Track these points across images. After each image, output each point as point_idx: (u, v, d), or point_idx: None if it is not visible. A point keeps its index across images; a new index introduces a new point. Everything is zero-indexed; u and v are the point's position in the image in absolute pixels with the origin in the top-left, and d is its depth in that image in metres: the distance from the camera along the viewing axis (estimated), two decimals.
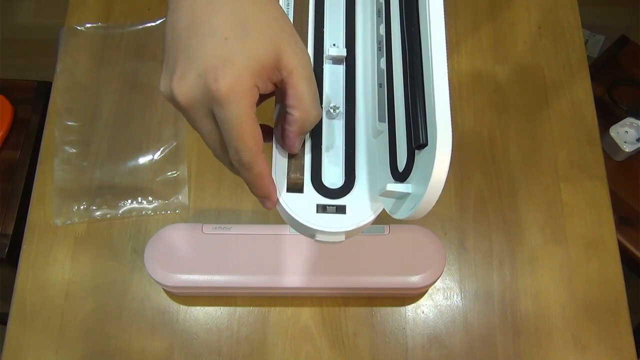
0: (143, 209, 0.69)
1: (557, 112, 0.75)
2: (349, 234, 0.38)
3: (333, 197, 0.38)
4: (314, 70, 0.39)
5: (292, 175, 0.38)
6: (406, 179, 0.35)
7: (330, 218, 0.37)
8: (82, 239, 0.67)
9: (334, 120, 0.40)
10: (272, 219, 0.69)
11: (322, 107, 0.40)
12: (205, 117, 0.36)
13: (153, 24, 0.78)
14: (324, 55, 0.42)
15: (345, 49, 0.41)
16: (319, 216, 0.37)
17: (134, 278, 0.66)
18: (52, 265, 0.66)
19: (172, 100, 0.36)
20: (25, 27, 1.69)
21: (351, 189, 0.39)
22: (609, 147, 1.03)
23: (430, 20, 0.35)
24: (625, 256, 0.96)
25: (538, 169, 0.72)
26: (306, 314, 0.65)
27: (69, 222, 0.68)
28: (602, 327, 0.65)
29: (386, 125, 0.39)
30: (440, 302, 0.66)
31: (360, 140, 0.40)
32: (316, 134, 0.40)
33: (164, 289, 0.65)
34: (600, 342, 0.64)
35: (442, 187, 0.33)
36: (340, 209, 0.38)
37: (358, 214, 0.38)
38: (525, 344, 0.64)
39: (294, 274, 0.60)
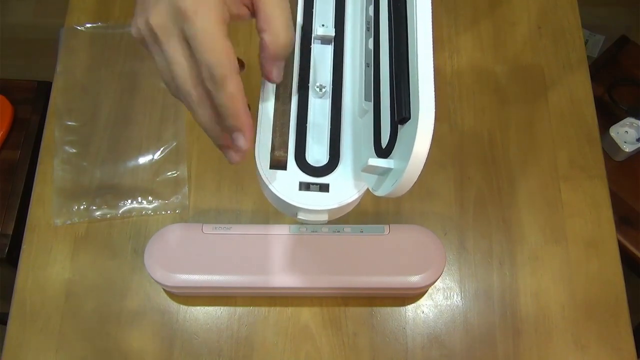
0: (143, 209, 0.69)
1: (557, 112, 0.75)
2: (332, 213, 0.37)
3: (317, 175, 0.38)
4: (302, 48, 0.39)
5: (275, 152, 0.37)
6: (389, 154, 0.35)
7: (314, 196, 0.37)
8: (82, 239, 0.67)
9: (320, 99, 0.40)
10: (272, 219, 0.69)
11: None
12: (178, 43, 0.36)
13: None
14: (312, 35, 0.41)
15: (334, 29, 0.41)
16: (302, 194, 0.37)
17: (134, 278, 0.66)
18: (52, 265, 0.66)
19: (148, 30, 0.36)
20: (25, 27, 1.69)
21: (335, 167, 0.38)
22: (609, 147, 1.03)
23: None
24: (625, 256, 0.96)
25: (538, 169, 0.72)
26: (306, 314, 0.65)
27: (69, 222, 0.68)
28: (602, 327, 0.65)
29: (372, 104, 0.38)
30: (440, 302, 0.66)
31: (347, 119, 0.39)
32: (302, 111, 0.39)
33: (164, 289, 0.65)
34: (600, 342, 0.64)
35: (424, 162, 0.32)
36: (324, 187, 0.37)
37: (342, 193, 0.37)
38: (525, 344, 0.64)
39: (294, 274, 0.61)
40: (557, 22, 0.80)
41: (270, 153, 0.37)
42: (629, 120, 1.01)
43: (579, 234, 0.69)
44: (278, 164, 0.37)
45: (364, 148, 0.39)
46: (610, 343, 0.64)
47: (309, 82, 0.40)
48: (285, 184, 0.37)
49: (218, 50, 0.34)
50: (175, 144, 0.72)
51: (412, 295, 0.66)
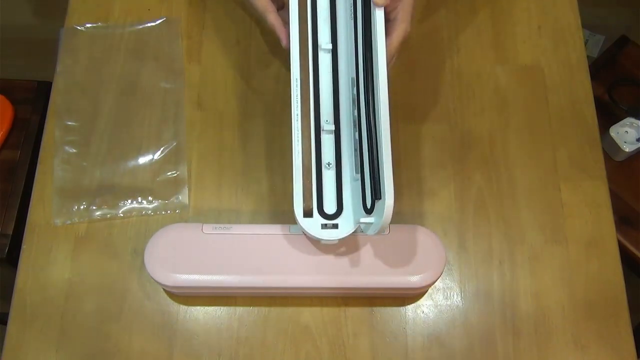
0: (143, 209, 0.69)
1: (557, 112, 0.75)
2: (340, 240, 0.60)
3: (330, 219, 0.61)
4: (316, 140, 0.63)
5: (304, 205, 0.60)
6: (371, 213, 0.58)
7: (329, 231, 0.60)
8: (82, 239, 0.67)
9: (328, 171, 0.62)
10: (273, 219, 0.69)
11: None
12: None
13: (153, 24, 0.78)
14: (322, 129, 0.63)
15: (333, 126, 0.63)
16: (322, 231, 0.60)
17: (134, 278, 0.66)
18: (52, 265, 0.66)
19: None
20: (25, 27, 1.69)
21: (340, 214, 0.61)
22: (609, 147, 1.03)
23: (379, 107, 0.58)
24: (625, 256, 0.96)
25: (538, 169, 0.72)
26: (306, 314, 0.65)
27: (68, 222, 0.68)
28: (602, 327, 0.65)
29: (359, 176, 0.61)
30: (440, 302, 0.66)
31: (346, 183, 0.62)
32: (319, 182, 0.62)
33: (164, 289, 0.65)
34: (600, 342, 0.64)
35: (390, 218, 0.55)
36: (335, 226, 0.61)
37: (345, 229, 0.61)
38: (525, 344, 0.64)
39: (293, 274, 0.61)
40: (557, 22, 0.80)
41: (303, 205, 0.60)
42: (629, 120, 1.02)
43: (579, 234, 0.69)
44: (308, 213, 0.61)
45: (355, 205, 0.61)
46: (610, 343, 0.64)
47: (321, 161, 0.63)
48: (313, 225, 0.60)
49: (259, 6, 0.67)
50: (175, 144, 0.72)
51: (412, 295, 0.66)
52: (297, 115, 0.62)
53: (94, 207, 0.69)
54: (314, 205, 0.61)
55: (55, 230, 0.68)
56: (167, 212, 0.69)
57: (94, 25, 0.78)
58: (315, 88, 0.64)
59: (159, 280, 0.60)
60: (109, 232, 0.68)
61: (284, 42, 0.66)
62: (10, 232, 0.92)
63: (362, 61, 0.61)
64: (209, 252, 0.61)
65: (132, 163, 0.71)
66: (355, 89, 0.63)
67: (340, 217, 0.61)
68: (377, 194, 0.57)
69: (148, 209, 0.69)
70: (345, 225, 0.60)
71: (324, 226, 0.60)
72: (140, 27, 0.78)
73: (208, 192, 0.70)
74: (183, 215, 0.69)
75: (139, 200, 0.69)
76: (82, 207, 0.69)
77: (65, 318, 0.64)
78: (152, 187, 0.70)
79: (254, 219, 0.69)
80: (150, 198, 0.69)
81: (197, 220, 0.68)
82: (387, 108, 0.58)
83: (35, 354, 0.63)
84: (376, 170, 0.57)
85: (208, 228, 0.62)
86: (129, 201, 0.69)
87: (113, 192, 0.69)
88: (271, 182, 0.70)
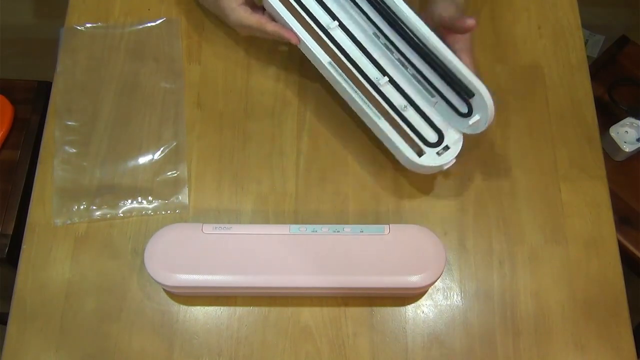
0: (143, 208, 0.69)
1: (557, 112, 0.75)
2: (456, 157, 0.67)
3: (438, 145, 0.66)
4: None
5: (415, 150, 0.66)
6: (472, 113, 0.65)
7: (446, 154, 0.66)
8: (82, 239, 0.67)
9: (408, 112, 0.68)
10: (272, 219, 0.69)
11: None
12: None
13: (153, 23, 0.78)
14: (379, 86, 0.69)
15: (386, 77, 0.69)
16: (440, 157, 0.66)
17: (134, 278, 0.66)
18: (52, 265, 0.66)
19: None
20: (25, 27, 1.69)
21: (443, 136, 0.67)
22: (609, 147, 1.03)
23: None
24: (625, 256, 0.96)
25: (538, 169, 0.72)
26: (306, 314, 0.65)
27: (69, 221, 0.68)
28: (602, 327, 0.65)
29: (437, 97, 0.67)
30: (440, 302, 0.66)
31: (429, 110, 0.68)
32: (406, 122, 0.68)
33: (164, 289, 0.65)
34: (600, 342, 0.64)
35: (493, 104, 0.63)
36: (447, 148, 0.66)
37: (456, 143, 0.67)
38: (525, 344, 0.64)
39: (293, 274, 0.61)
40: (557, 22, 0.80)
41: (414, 149, 0.66)
42: (629, 120, 1.01)
43: (579, 234, 0.69)
44: (420, 153, 0.66)
45: (452, 121, 0.67)
46: (610, 343, 0.64)
47: (397, 109, 0.69)
48: (430, 158, 0.66)
49: (254, 22, 0.70)
50: (175, 143, 0.72)
51: (412, 295, 0.66)
52: (355, 90, 0.67)
53: (94, 207, 0.69)
54: (419, 143, 0.66)
55: (55, 230, 0.68)
56: (167, 212, 0.69)
57: (94, 25, 0.78)
58: (349, 61, 0.68)
59: (159, 280, 0.60)
60: (109, 232, 0.68)
61: (294, 40, 0.69)
62: (10, 232, 0.92)
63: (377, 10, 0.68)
64: (209, 252, 0.61)
65: (132, 163, 0.71)
66: (382, 38, 0.69)
67: (445, 138, 0.67)
68: (468, 93, 0.63)
69: (148, 209, 0.69)
70: (454, 141, 0.66)
71: (439, 154, 0.66)
72: (140, 26, 0.78)
73: (208, 192, 0.70)
74: (183, 215, 0.69)
75: (139, 200, 0.69)
76: (82, 207, 0.69)
77: (65, 318, 0.64)
78: (152, 187, 0.70)
79: (254, 219, 0.69)
80: (150, 198, 0.69)
81: (197, 220, 0.68)
82: (423, 24, 0.65)
83: (35, 353, 0.63)
84: (453, 75, 0.64)
85: (208, 228, 0.62)
86: (129, 201, 0.69)
87: (113, 192, 0.69)
88: (271, 182, 0.70)
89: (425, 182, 0.71)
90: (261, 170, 0.71)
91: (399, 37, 0.68)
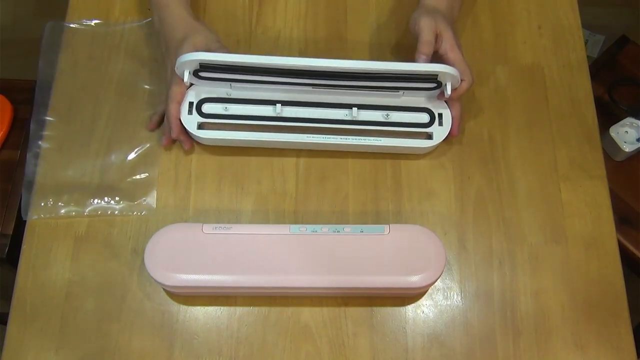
0: (109, 208, 0.68)
1: (557, 112, 0.75)
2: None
3: (433, 121, 0.71)
4: None
5: (422, 137, 0.71)
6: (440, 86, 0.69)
7: (445, 123, 0.71)
8: (82, 238, 0.67)
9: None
10: (272, 219, 0.69)
11: None
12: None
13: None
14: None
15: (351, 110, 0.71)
16: (443, 127, 0.71)
17: (134, 278, 0.66)
18: (52, 265, 0.66)
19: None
20: (25, 27, 1.69)
21: (433, 111, 0.71)
22: (609, 147, 1.02)
23: None
24: (625, 256, 0.96)
25: (538, 169, 0.72)
26: (306, 314, 0.65)
27: (35, 217, 0.67)
28: (602, 327, 0.65)
29: (403, 90, 0.70)
30: (440, 302, 0.66)
31: (409, 102, 0.72)
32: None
33: (164, 289, 0.65)
34: (600, 342, 0.64)
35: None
36: (440, 115, 0.71)
37: (446, 110, 0.72)
38: (525, 344, 0.64)
39: (293, 274, 0.61)
40: (557, 22, 0.80)
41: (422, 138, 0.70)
42: (629, 120, 1.01)
43: (579, 234, 0.69)
44: (429, 136, 0.71)
45: (430, 97, 0.72)
46: (610, 343, 0.64)
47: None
48: (439, 132, 0.70)
49: (171, 120, 0.69)
50: (149, 145, 0.71)
51: (412, 295, 0.66)
52: (346, 138, 0.70)
53: (61, 204, 0.68)
54: (419, 130, 0.71)
55: (55, 230, 0.68)
56: (133, 213, 0.68)
57: (94, 24, 0.78)
58: (317, 122, 0.70)
59: (159, 280, 0.60)
60: (109, 232, 0.68)
61: (186, 147, 0.71)
62: (10, 232, 0.92)
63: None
64: (209, 252, 0.61)
65: (104, 162, 0.71)
66: (321, 86, 0.68)
67: (434, 112, 0.71)
68: (430, 79, 0.67)
69: (115, 209, 0.68)
70: (442, 108, 0.71)
71: (441, 125, 0.71)
72: (140, 26, 0.78)
73: (208, 192, 0.70)
74: (183, 215, 0.69)
75: (106, 200, 0.69)
76: (49, 203, 0.68)
77: (65, 318, 0.64)
78: (122, 187, 0.69)
79: (254, 219, 0.69)
80: (117, 198, 0.69)
81: (197, 220, 0.68)
82: (351, 62, 0.66)
83: (35, 353, 0.63)
84: (408, 75, 0.67)
85: (208, 228, 0.62)
86: (96, 200, 0.69)
87: (81, 190, 0.69)
88: (271, 182, 0.70)
89: (425, 182, 0.71)
90: (261, 170, 0.71)
91: (334, 80, 0.67)
